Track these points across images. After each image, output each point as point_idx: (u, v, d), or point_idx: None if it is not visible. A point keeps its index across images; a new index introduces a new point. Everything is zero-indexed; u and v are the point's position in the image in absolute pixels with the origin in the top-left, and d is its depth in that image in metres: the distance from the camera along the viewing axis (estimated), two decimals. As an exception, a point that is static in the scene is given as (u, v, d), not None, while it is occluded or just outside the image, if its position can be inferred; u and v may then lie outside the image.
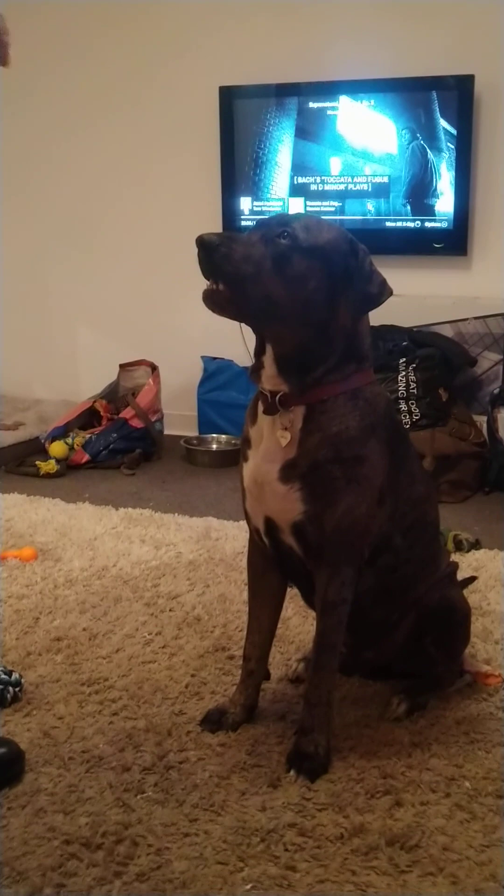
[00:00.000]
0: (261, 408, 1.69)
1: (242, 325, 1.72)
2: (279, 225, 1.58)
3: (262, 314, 1.59)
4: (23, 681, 2.01)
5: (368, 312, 1.69)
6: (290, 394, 1.64)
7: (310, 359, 1.63)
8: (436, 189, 4.00)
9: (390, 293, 1.70)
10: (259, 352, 1.68)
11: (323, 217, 1.64)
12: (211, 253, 1.52)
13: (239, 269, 1.52)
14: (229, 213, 4.31)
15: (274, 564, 1.84)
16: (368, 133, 4.07)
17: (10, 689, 1.95)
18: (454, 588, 2.02)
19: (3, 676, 1.95)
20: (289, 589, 1.94)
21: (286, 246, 1.56)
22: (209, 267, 1.53)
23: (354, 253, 1.63)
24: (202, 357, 4.33)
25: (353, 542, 1.70)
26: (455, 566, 2.07)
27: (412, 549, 1.84)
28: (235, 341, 3.55)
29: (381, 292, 1.69)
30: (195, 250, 1.53)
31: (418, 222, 4.06)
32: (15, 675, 1.98)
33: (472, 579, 2.44)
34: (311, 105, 4.14)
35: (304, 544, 1.70)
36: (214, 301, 1.55)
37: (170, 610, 2.46)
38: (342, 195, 4.17)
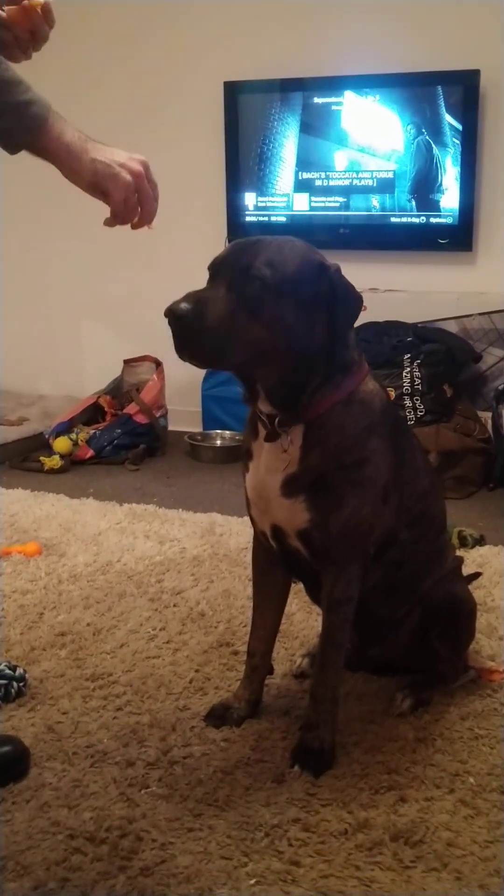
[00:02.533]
0: (259, 425, 1.69)
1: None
2: (241, 269, 1.52)
3: (248, 362, 1.57)
4: (27, 676, 2.01)
5: (352, 325, 1.66)
6: (287, 416, 1.63)
7: (299, 384, 1.61)
8: (441, 184, 3.99)
9: (361, 302, 1.66)
10: (248, 386, 1.65)
11: (285, 238, 1.58)
12: (182, 327, 1.49)
13: (214, 334, 1.49)
14: (234, 209, 4.31)
15: (279, 563, 1.84)
16: (373, 128, 4.05)
17: (15, 684, 1.95)
18: (459, 583, 2.02)
19: (7, 672, 1.95)
20: (293, 584, 1.94)
21: (256, 290, 1.51)
22: (184, 347, 1.51)
23: (325, 275, 1.58)
24: (206, 353, 4.33)
25: (359, 542, 1.70)
26: (460, 561, 2.07)
27: (418, 543, 1.84)
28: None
29: (359, 303, 1.65)
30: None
31: (423, 218, 4.05)
32: (19, 671, 1.99)
33: (477, 575, 2.44)
34: (316, 100, 4.13)
35: (311, 548, 1.70)
36: (193, 361, 1.55)
37: (174, 605, 2.46)
38: (347, 191, 4.15)
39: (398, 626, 1.90)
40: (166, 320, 1.50)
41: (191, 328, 1.49)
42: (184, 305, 1.49)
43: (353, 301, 1.63)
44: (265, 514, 1.74)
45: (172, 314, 1.49)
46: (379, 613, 1.86)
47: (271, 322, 1.52)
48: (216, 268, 1.58)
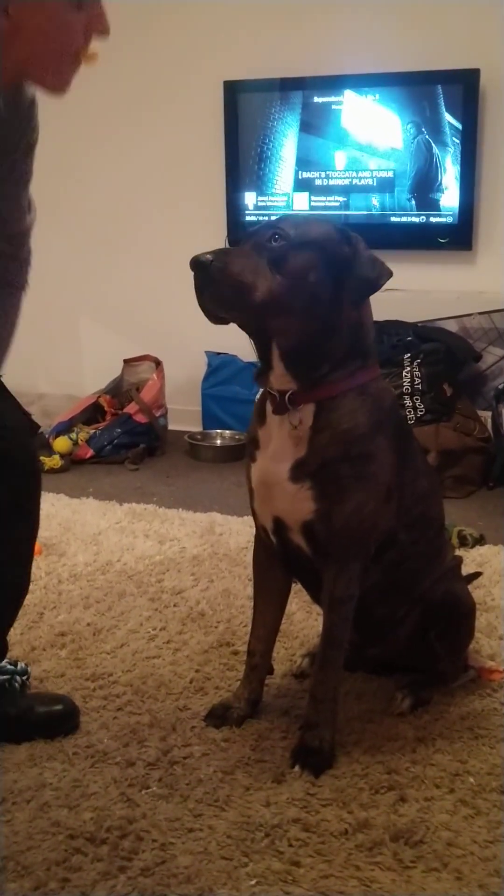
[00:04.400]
0: (269, 408, 1.69)
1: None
2: (268, 229, 1.59)
3: (269, 316, 1.58)
4: (29, 669, 2.01)
5: (369, 297, 1.68)
6: (299, 391, 1.64)
7: (317, 353, 1.63)
8: (441, 184, 3.99)
9: (390, 275, 1.68)
10: (263, 355, 1.67)
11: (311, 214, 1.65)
12: (207, 271, 1.51)
13: (239, 281, 1.52)
14: (234, 208, 4.30)
15: (279, 561, 1.84)
16: (373, 127, 4.05)
17: (18, 678, 1.95)
18: (458, 582, 2.02)
19: (10, 667, 1.96)
20: (293, 584, 1.94)
21: (279, 246, 1.56)
22: (204, 288, 1.53)
23: (348, 240, 1.63)
24: (206, 352, 4.33)
25: (361, 538, 1.70)
26: (459, 560, 2.07)
27: (417, 543, 1.84)
28: (239, 336, 3.51)
29: (380, 275, 1.67)
30: (199, 246, 1.53)
31: (423, 217, 4.05)
32: (21, 665, 1.99)
33: (476, 575, 2.44)
34: (316, 99, 4.13)
35: (313, 543, 1.70)
36: (218, 320, 1.58)
37: (174, 605, 2.46)
38: (347, 190, 4.15)
39: (398, 625, 1.90)
40: (191, 273, 1.53)
41: (213, 275, 1.52)
42: (208, 255, 1.53)
43: (374, 269, 1.66)
44: (268, 504, 1.73)
45: (196, 262, 1.52)
46: (378, 613, 1.86)
47: (294, 276, 1.56)
48: (244, 235, 1.64)
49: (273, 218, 1.63)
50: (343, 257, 1.61)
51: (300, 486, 1.66)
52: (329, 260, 1.60)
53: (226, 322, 1.61)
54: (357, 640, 1.86)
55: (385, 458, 1.68)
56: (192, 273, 1.53)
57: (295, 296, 1.57)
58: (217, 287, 1.53)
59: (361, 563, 1.72)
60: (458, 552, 2.82)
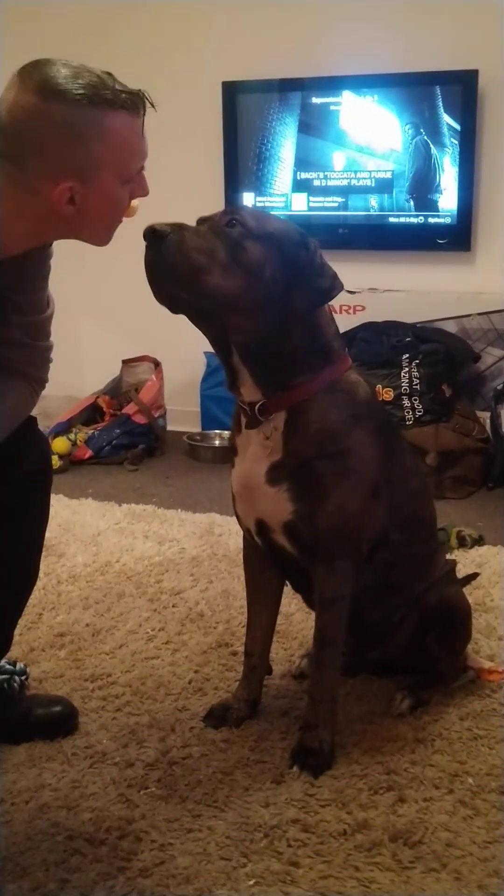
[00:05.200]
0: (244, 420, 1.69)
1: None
2: (225, 214, 1.56)
3: (221, 307, 1.54)
4: (28, 670, 2.01)
5: (322, 306, 1.66)
6: (269, 402, 1.63)
7: (275, 352, 1.61)
8: (439, 184, 3.98)
9: (341, 288, 1.66)
10: (224, 358, 1.65)
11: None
12: (160, 244, 1.47)
13: (193, 260, 1.49)
14: (232, 209, 4.30)
15: (270, 563, 1.84)
16: (372, 128, 4.05)
17: (17, 678, 1.95)
18: (453, 587, 2.01)
19: (8, 667, 1.96)
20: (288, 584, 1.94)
21: (238, 233, 1.53)
22: (159, 262, 1.49)
23: (305, 245, 1.61)
24: (205, 353, 4.32)
25: (349, 537, 1.69)
26: (453, 564, 2.07)
27: (409, 545, 1.83)
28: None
29: (333, 286, 1.65)
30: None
31: (422, 218, 4.05)
32: (20, 665, 1.99)
33: (474, 576, 2.43)
34: (315, 100, 4.12)
35: (298, 543, 1.70)
36: (162, 293, 1.53)
37: (173, 606, 2.46)
38: (345, 191, 4.15)
39: (395, 629, 1.90)
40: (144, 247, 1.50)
41: (168, 248, 1.48)
42: (166, 227, 1.49)
43: (327, 279, 1.63)
44: (250, 507, 1.73)
45: (152, 231, 1.48)
46: (372, 616, 1.85)
47: (249, 267, 1.53)
48: (202, 219, 1.60)
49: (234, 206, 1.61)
50: (297, 258, 1.59)
51: (278, 488, 1.65)
52: (285, 259, 1.57)
53: (179, 308, 1.56)
54: (354, 643, 1.85)
55: (365, 453, 1.67)
56: (145, 243, 1.50)
57: (249, 287, 1.53)
58: (170, 264, 1.49)
59: (352, 563, 1.71)
60: (457, 553, 2.84)
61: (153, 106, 1.51)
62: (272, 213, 1.62)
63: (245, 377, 1.64)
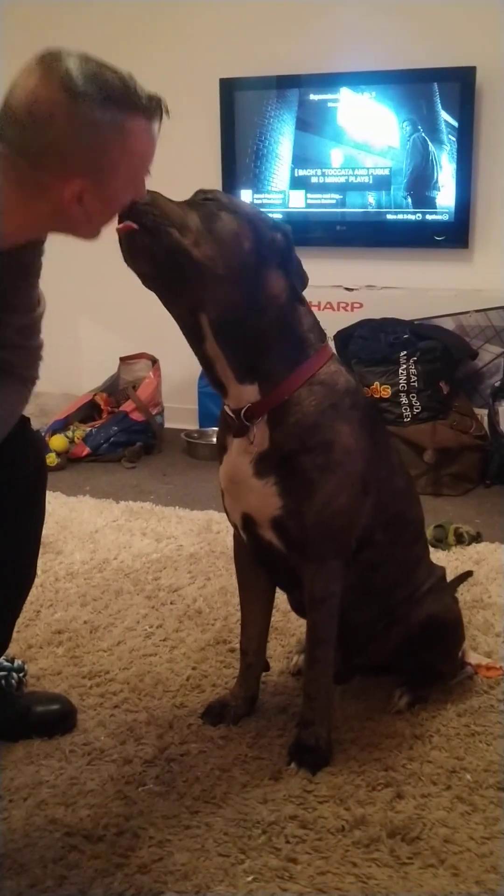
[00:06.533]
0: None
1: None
2: (200, 193, 1.60)
3: (192, 273, 1.53)
4: (26, 667, 2.01)
5: (300, 294, 1.67)
6: (254, 406, 1.63)
7: (247, 332, 1.60)
8: (437, 181, 3.98)
9: (307, 282, 1.69)
10: (200, 346, 1.63)
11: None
12: (136, 206, 1.49)
13: (168, 220, 1.51)
14: (230, 206, 4.30)
15: (257, 562, 1.83)
16: (369, 125, 4.05)
17: (14, 675, 1.95)
18: (439, 601, 1.93)
19: (6, 663, 1.96)
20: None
21: (213, 205, 1.56)
22: (132, 237, 1.51)
23: (282, 230, 1.63)
24: (203, 350, 4.32)
25: (338, 534, 1.68)
26: (442, 572, 2.01)
27: (394, 546, 1.81)
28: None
29: (304, 279, 1.68)
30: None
31: (419, 215, 4.05)
32: (18, 662, 1.99)
33: (468, 575, 2.43)
34: (312, 97, 4.12)
35: (286, 539, 1.69)
36: (137, 253, 1.53)
37: (171, 603, 2.46)
38: (343, 188, 4.15)
39: (380, 637, 1.87)
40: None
41: (143, 211, 1.50)
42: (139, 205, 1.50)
43: (301, 269, 1.67)
44: (237, 501, 1.73)
45: (129, 208, 1.49)
46: (352, 619, 1.80)
47: (221, 235, 1.54)
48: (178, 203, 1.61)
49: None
50: (275, 243, 1.61)
51: (265, 481, 1.65)
52: (258, 237, 1.59)
53: (152, 276, 1.56)
54: (339, 649, 1.80)
55: (350, 445, 1.65)
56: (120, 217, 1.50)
57: (221, 255, 1.54)
58: (144, 224, 1.50)
59: (342, 561, 1.70)
60: (455, 549, 2.84)
61: (168, 113, 1.48)
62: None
63: (223, 365, 1.63)
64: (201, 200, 1.57)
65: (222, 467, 1.75)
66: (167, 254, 1.52)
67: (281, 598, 1.99)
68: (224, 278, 1.55)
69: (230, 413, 1.67)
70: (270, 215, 1.66)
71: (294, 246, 1.65)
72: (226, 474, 1.73)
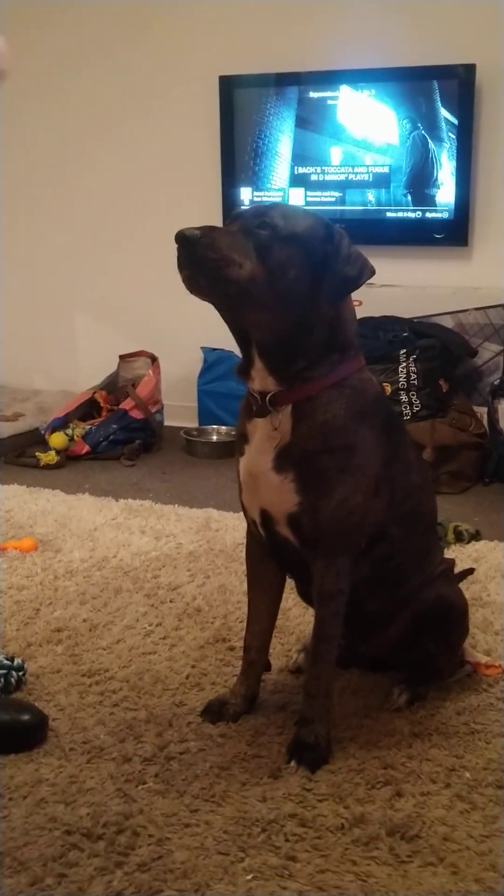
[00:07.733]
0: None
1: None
2: (256, 216, 1.58)
3: (245, 303, 1.57)
4: (26, 665, 2.01)
5: (348, 295, 1.68)
6: (279, 393, 1.65)
7: (293, 348, 1.63)
8: (436, 179, 3.98)
9: (372, 272, 1.68)
10: (244, 347, 1.67)
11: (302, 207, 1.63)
12: (193, 246, 1.51)
13: (225, 255, 1.52)
14: (229, 204, 4.29)
15: (270, 555, 1.84)
16: (369, 123, 4.05)
17: (14, 674, 1.95)
18: (449, 585, 2.00)
19: (6, 662, 1.96)
20: (289, 579, 1.94)
21: (266, 236, 1.56)
22: (187, 263, 1.52)
23: (331, 236, 1.63)
24: (202, 348, 4.32)
25: (349, 532, 1.70)
26: (451, 563, 2.06)
27: (408, 539, 1.83)
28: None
29: (361, 273, 1.66)
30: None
31: (419, 212, 4.05)
32: (17, 661, 1.99)
33: (469, 571, 2.44)
34: (312, 95, 4.12)
35: (300, 535, 1.70)
36: (196, 291, 1.56)
37: (170, 601, 2.46)
38: (343, 185, 4.15)
39: (388, 623, 1.89)
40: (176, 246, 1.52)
41: (197, 249, 1.51)
42: (196, 231, 1.52)
43: (355, 267, 1.65)
44: (255, 496, 1.73)
45: (183, 237, 1.52)
46: (368, 608, 1.85)
47: (276, 269, 1.56)
48: (234, 215, 1.65)
49: (266, 202, 1.62)
50: (324, 254, 1.61)
51: (284, 476, 1.66)
52: (310, 257, 1.60)
53: (204, 294, 1.58)
54: (347, 634, 1.85)
55: (370, 450, 1.68)
56: (177, 247, 1.52)
57: (273, 287, 1.56)
58: (197, 262, 1.52)
59: (351, 558, 1.72)
60: (454, 548, 2.84)
61: None
62: (302, 208, 1.61)
63: (259, 367, 1.66)
64: (256, 226, 1.57)
65: (243, 459, 1.75)
66: (224, 293, 1.56)
67: (285, 597, 1.99)
68: (275, 309, 1.58)
69: (254, 394, 1.68)
70: (323, 219, 1.64)
71: (345, 247, 1.63)
72: (245, 468, 1.74)
